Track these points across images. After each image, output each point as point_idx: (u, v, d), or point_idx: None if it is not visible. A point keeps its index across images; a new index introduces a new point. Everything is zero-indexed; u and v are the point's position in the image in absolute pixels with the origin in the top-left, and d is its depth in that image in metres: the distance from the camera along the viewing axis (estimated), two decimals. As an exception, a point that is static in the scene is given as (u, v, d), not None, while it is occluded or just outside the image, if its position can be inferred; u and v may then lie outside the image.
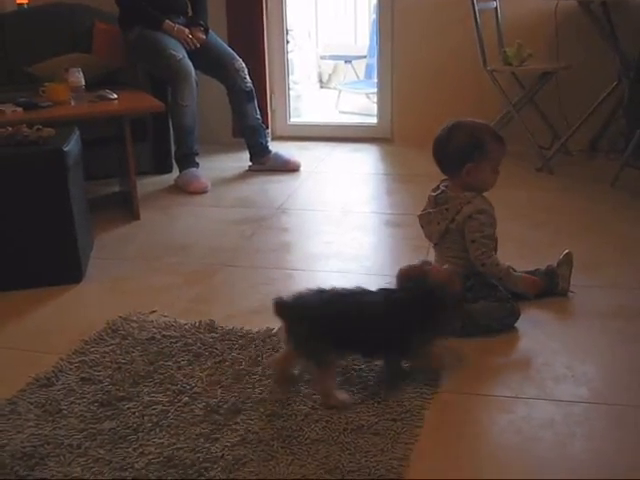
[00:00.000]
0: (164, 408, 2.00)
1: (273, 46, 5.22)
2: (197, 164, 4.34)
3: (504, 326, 2.38)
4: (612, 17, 4.29)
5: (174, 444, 1.84)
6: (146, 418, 1.96)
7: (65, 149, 2.84)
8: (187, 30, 4.31)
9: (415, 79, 5.00)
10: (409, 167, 4.52)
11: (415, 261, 2.25)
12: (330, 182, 4.33)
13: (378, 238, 3.42)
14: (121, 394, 2.07)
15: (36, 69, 4.27)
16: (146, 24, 4.26)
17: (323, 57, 7.72)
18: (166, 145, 4.51)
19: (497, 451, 1.84)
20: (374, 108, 5.45)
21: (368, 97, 6.59)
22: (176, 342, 2.36)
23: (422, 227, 2.56)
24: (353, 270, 2.97)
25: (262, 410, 1.98)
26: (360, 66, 7.30)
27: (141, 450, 1.83)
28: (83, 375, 2.18)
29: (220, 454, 1.80)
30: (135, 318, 2.55)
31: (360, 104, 6.68)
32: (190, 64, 4.18)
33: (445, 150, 2.45)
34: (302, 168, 4.55)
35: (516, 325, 2.40)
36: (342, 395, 2.00)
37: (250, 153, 4.59)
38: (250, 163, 4.60)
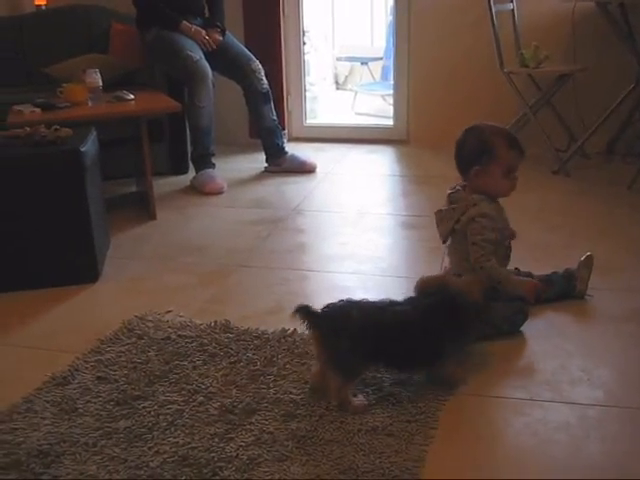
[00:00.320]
0: (179, 407, 2.01)
1: (290, 47, 5.23)
2: (213, 165, 4.36)
3: (513, 326, 2.37)
4: (630, 18, 4.27)
5: (189, 443, 1.85)
6: (161, 417, 1.97)
7: (82, 149, 2.86)
8: (204, 31, 4.32)
9: (431, 81, 5.00)
10: (425, 169, 4.51)
11: (433, 270, 2.25)
12: (346, 184, 4.33)
13: (394, 240, 3.42)
14: (136, 393, 2.08)
15: (54, 70, 4.30)
16: (163, 25, 4.28)
17: (339, 59, 7.72)
18: (182, 146, 4.52)
19: (512, 453, 1.83)
20: (390, 110, 5.45)
21: (384, 99, 6.59)
22: (191, 342, 2.37)
23: (437, 225, 2.56)
24: (368, 271, 2.97)
25: (277, 410, 1.98)
26: (376, 68, 7.30)
27: (156, 449, 1.83)
28: (99, 374, 2.20)
29: (234, 454, 1.80)
30: (151, 318, 2.56)
31: (376, 106, 6.67)
32: (207, 65, 4.19)
33: (459, 152, 2.47)
34: (318, 169, 4.56)
35: (531, 328, 2.40)
36: (358, 401, 1.99)
37: (266, 154, 4.60)
38: (266, 164, 4.61)
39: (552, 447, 1.83)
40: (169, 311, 2.62)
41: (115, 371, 2.21)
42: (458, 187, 2.49)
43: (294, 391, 2.07)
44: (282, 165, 4.55)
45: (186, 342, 2.37)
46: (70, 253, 2.88)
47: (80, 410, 2.02)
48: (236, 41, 4.56)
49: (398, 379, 2.12)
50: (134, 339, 2.40)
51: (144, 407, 2.02)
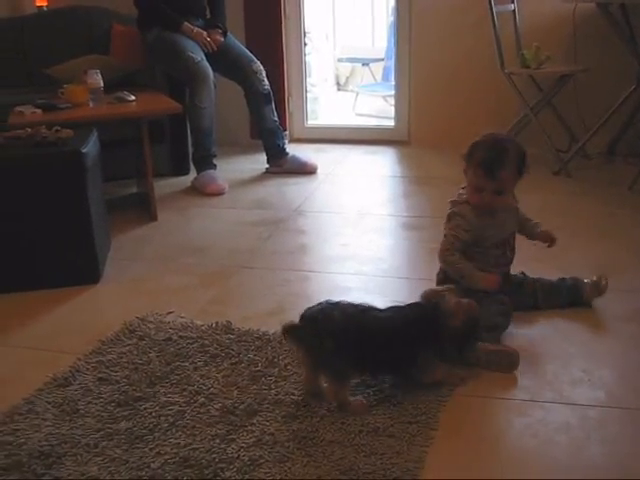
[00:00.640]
0: (180, 409, 2.01)
1: (291, 48, 5.23)
2: (214, 166, 4.36)
3: (497, 326, 2.35)
4: (631, 19, 4.27)
5: (190, 444, 1.85)
6: (162, 418, 1.97)
7: (83, 150, 2.86)
8: (205, 32, 4.32)
9: (432, 82, 5.00)
10: (426, 170, 4.51)
11: (433, 270, 2.24)
12: (347, 184, 4.33)
13: (395, 241, 3.42)
14: (138, 394, 2.08)
15: (55, 71, 4.30)
16: (165, 26, 4.28)
17: (340, 59, 7.72)
18: (184, 147, 4.53)
19: (513, 454, 1.83)
20: (391, 111, 5.45)
21: (385, 100, 6.58)
22: (193, 343, 2.37)
23: None
24: (370, 272, 2.97)
25: (278, 411, 1.98)
26: (377, 69, 7.29)
27: (157, 450, 1.83)
28: (100, 375, 2.20)
29: (236, 455, 1.80)
30: (152, 319, 2.56)
31: (377, 107, 6.67)
32: (208, 66, 4.20)
33: None
34: (319, 170, 4.56)
35: (532, 329, 2.40)
36: (357, 402, 2.00)
37: (267, 155, 4.60)
38: (267, 165, 4.61)
39: (553, 448, 1.83)
40: (170, 312, 2.62)
41: (116, 372, 2.21)
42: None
43: (295, 392, 2.07)
44: (283, 166, 4.55)
45: (187, 343, 2.37)
46: (71, 254, 2.88)
47: (81, 411, 2.02)
48: (237, 42, 4.56)
49: (398, 380, 2.12)
50: (135, 340, 2.41)
51: (145, 408, 2.02)
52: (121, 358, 2.29)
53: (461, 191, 2.50)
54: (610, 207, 3.68)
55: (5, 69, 4.57)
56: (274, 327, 2.44)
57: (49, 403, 2.06)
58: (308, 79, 5.62)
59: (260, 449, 1.82)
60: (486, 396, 2.07)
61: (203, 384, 2.12)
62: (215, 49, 4.33)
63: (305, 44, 5.39)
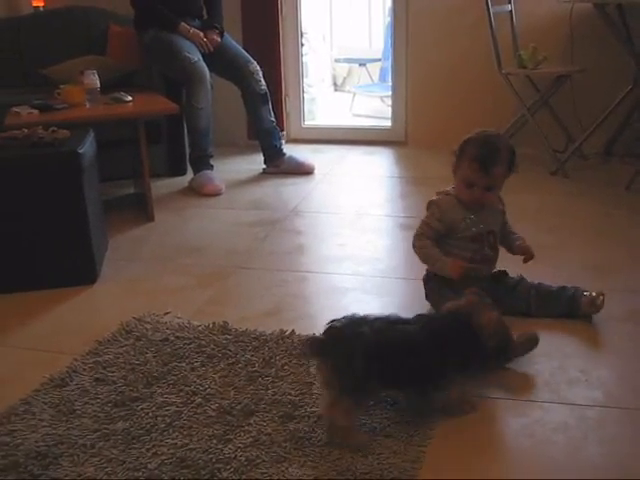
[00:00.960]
0: (177, 409, 2.01)
1: (288, 49, 5.23)
2: (211, 166, 4.36)
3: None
4: (628, 20, 4.28)
5: (187, 445, 1.85)
6: (159, 419, 1.96)
7: (80, 151, 2.86)
8: (202, 33, 4.32)
9: (429, 82, 5.00)
10: (423, 170, 4.51)
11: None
12: (344, 185, 4.33)
13: (392, 241, 3.42)
14: (135, 395, 2.08)
15: (51, 71, 4.29)
16: (161, 26, 4.28)
17: (337, 60, 7.72)
18: (180, 147, 4.52)
19: (510, 454, 1.84)
20: (388, 111, 5.45)
21: (382, 100, 6.59)
22: (190, 343, 2.37)
23: None
24: (367, 273, 2.97)
25: (275, 412, 1.98)
26: (374, 69, 7.29)
27: (154, 450, 1.83)
28: (97, 376, 2.19)
29: (233, 455, 1.80)
30: (149, 319, 2.55)
31: (374, 107, 6.68)
32: (205, 67, 4.20)
33: None
34: (316, 171, 4.56)
35: (528, 329, 2.40)
36: (361, 436, 1.86)
37: (264, 156, 4.60)
38: (264, 166, 4.61)
39: (550, 448, 1.83)
40: (167, 312, 2.62)
41: (113, 372, 2.21)
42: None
43: (292, 392, 2.07)
44: (280, 166, 4.55)
45: (184, 343, 2.37)
46: (68, 254, 2.88)
47: (78, 412, 2.01)
48: (234, 42, 4.56)
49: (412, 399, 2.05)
50: (132, 340, 2.40)
51: (142, 409, 2.01)
52: (118, 358, 2.29)
53: (449, 189, 2.53)
54: (607, 207, 3.68)
55: (1, 69, 4.57)
56: (271, 327, 2.44)
57: (46, 403, 2.05)
58: (305, 79, 5.63)
59: (257, 449, 1.82)
60: (483, 396, 2.07)
61: (200, 384, 2.12)
62: (212, 49, 4.33)
63: (302, 44, 5.39)
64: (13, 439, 1.89)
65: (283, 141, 4.74)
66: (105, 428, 1.93)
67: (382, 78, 7.06)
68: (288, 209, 3.84)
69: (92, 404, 2.05)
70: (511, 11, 4.58)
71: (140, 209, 3.83)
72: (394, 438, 1.85)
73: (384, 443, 1.84)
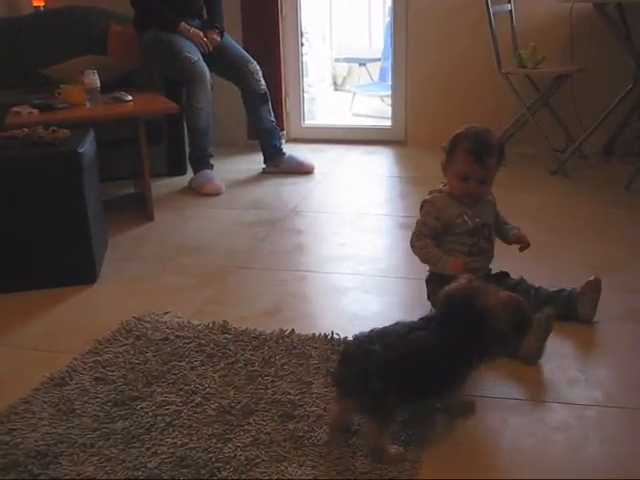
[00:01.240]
0: (177, 408, 2.01)
1: (288, 49, 5.23)
2: (211, 166, 4.36)
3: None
4: (627, 19, 4.28)
5: (187, 444, 1.85)
6: (159, 418, 1.96)
7: (80, 150, 2.86)
8: (202, 33, 4.32)
9: (429, 82, 5.00)
10: (423, 170, 4.51)
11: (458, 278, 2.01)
12: (344, 184, 4.33)
13: (392, 240, 3.42)
14: (134, 394, 2.08)
15: (52, 71, 4.29)
16: (162, 26, 4.28)
17: (337, 60, 7.72)
18: (180, 147, 4.52)
19: (510, 454, 1.83)
20: (388, 111, 5.45)
21: (382, 100, 6.59)
22: (189, 343, 2.37)
23: None
24: (367, 272, 2.97)
25: (274, 411, 1.98)
26: (374, 69, 7.30)
27: (154, 450, 1.83)
28: (97, 375, 2.19)
29: (232, 454, 1.80)
30: (149, 319, 2.55)
31: (374, 107, 6.68)
32: (205, 66, 4.20)
33: None
34: (316, 170, 4.56)
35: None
36: (394, 450, 1.80)
37: (264, 155, 4.60)
38: (264, 165, 4.61)
39: (550, 447, 1.83)
40: (167, 312, 2.62)
41: (113, 372, 2.21)
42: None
43: (292, 392, 2.06)
44: (280, 166, 4.55)
45: (184, 343, 2.37)
46: (68, 254, 2.88)
47: (78, 411, 2.01)
48: (234, 42, 4.56)
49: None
50: (132, 340, 2.40)
51: (142, 408, 2.01)
52: (118, 358, 2.29)
53: (441, 187, 2.55)
54: (607, 207, 3.68)
55: (2, 69, 4.56)
56: (271, 327, 2.44)
57: (46, 403, 2.05)
58: (305, 79, 5.63)
59: (257, 449, 1.82)
60: (484, 396, 2.07)
61: (200, 384, 2.12)
62: (212, 49, 4.33)
63: (302, 44, 5.39)
64: (13, 438, 1.89)
65: (283, 141, 4.74)
66: (105, 427, 1.93)
67: (382, 78, 7.07)
68: (288, 209, 3.84)
69: (92, 403, 2.05)
70: (511, 10, 4.58)
71: (140, 209, 3.83)
72: (394, 438, 1.85)
73: (384, 442, 1.84)
